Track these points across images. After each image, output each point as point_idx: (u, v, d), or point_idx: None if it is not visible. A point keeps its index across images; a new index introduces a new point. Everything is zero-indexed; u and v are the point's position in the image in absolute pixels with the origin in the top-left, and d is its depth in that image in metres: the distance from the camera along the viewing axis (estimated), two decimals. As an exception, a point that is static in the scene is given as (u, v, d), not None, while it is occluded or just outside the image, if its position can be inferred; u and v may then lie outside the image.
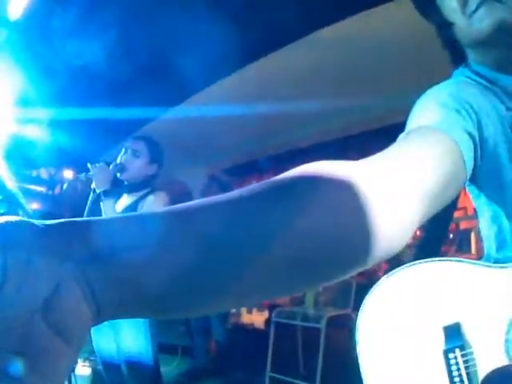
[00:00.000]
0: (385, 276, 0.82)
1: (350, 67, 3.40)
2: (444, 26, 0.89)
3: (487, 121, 0.78)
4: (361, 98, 3.65)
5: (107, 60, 3.07)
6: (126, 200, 2.23)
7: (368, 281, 6.11)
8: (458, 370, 0.80)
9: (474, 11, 0.79)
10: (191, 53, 2.97)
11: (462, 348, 0.80)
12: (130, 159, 2.18)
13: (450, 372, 0.80)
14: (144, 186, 2.21)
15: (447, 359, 0.81)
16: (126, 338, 1.97)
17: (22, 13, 2.85)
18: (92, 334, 2.12)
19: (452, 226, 5.63)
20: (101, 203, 2.03)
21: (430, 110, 0.76)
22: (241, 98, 3.90)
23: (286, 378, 3.65)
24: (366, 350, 0.87)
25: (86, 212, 2.07)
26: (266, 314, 4.50)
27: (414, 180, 0.54)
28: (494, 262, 0.85)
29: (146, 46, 3.22)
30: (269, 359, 3.67)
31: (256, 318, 5.11)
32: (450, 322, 0.82)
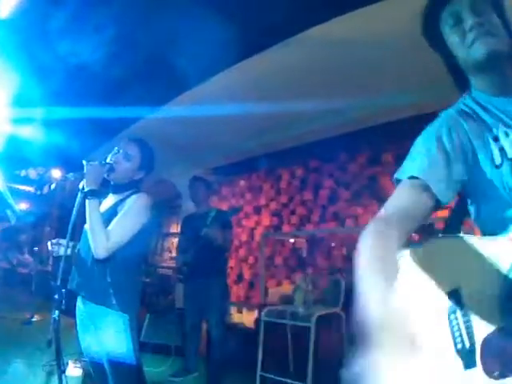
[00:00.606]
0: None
1: (345, 65, 3.41)
2: (450, 57, 1.12)
3: (476, 150, 1.03)
4: (355, 97, 3.67)
5: (97, 59, 3.05)
6: (110, 200, 2.21)
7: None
8: (459, 330, 0.91)
9: (471, 44, 1.03)
10: (183, 51, 2.97)
11: (462, 309, 0.91)
12: (121, 161, 2.16)
13: (452, 332, 0.92)
14: (130, 187, 2.20)
15: (450, 320, 0.93)
16: (106, 335, 1.96)
17: (13, 12, 2.82)
18: (78, 331, 2.11)
19: (440, 224, 5.69)
20: (86, 201, 2.02)
21: (418, 157, 1.07)
22: (234, 97, 3.89)
23: (277, 377, 3.65)
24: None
25: (74, 211, 2.05)
26: (255, 313, 4.50)
27: (395, 222, 0.97)
28: None
29: (137, 45, 3.20)
30: (259, 358, 3.67)
31: (246, 318, 5.12)
32: (453, 287, 0.93)
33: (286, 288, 6.44)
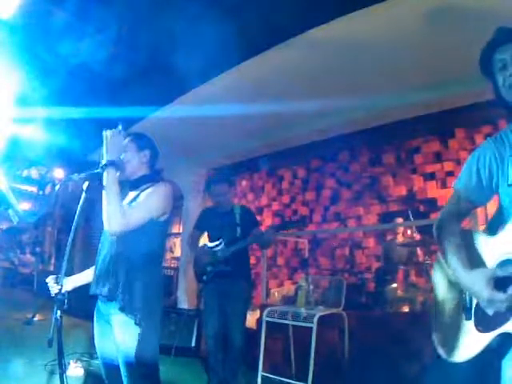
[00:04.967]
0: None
1: (346, 66, 3.40)
2: (497, 91, 1.43)
3: (499, 170, 1.41)
4: (357, 97, 3.66)
5: (100, 59, 3.06)
6: (129, 196, 2.18)
7: (358, 280, 6.15)
8: (465, 293, 1.44)
9: (509, 88, 1.37)
10: (185, 52, 2.97)
11: None
12: (128, 159, 2.14)
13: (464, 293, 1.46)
14: (147, 179, 2.17)
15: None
16: (120, 337, 1.94)
17: (15, 12, 2.82)
18: (95, 335, 2.09)
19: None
20: (105, 174, 1.95)
21: (463, 173, 1.51)
22: (236, 97, 3.89)
23: (279, 378, 3.65)
24: None
25: (77, 212, 2.02)
26: (257, 313, 4.51)
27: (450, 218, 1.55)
28: None
29: (139, 45, 3.21)
30: (261, 359, 3.67)
31: (248, 318, 5.12)
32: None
33: (288, 288, 6.43)
